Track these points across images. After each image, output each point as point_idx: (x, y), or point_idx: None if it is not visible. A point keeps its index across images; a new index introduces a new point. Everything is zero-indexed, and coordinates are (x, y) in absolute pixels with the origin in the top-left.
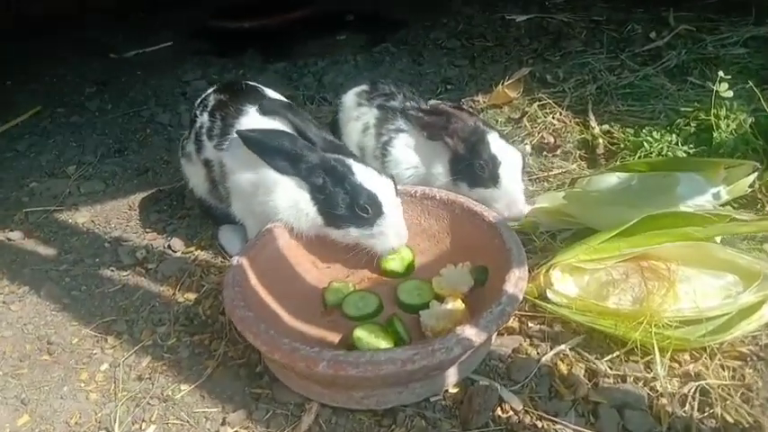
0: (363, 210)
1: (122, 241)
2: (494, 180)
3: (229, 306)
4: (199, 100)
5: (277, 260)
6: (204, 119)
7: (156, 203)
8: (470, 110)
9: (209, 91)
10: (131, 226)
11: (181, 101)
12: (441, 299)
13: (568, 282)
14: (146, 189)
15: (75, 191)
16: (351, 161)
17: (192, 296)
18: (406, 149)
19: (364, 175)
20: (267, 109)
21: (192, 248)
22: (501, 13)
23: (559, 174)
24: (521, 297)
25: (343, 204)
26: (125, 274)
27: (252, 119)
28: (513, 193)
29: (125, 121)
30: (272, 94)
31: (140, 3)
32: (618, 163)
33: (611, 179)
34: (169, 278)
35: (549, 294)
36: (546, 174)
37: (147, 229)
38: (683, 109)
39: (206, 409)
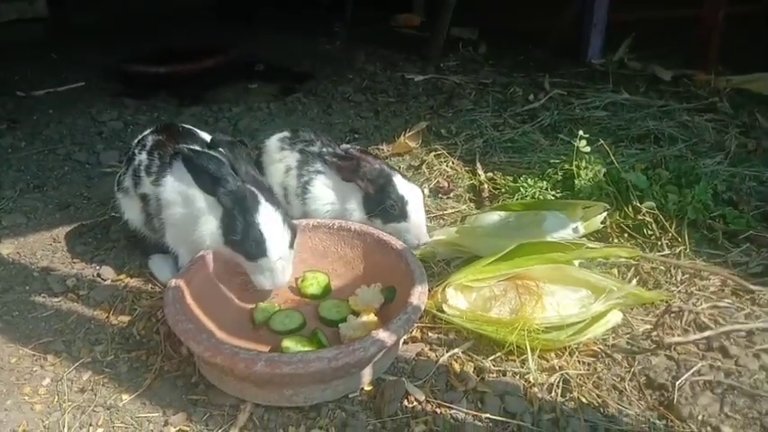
0: (249, 245)
1: (51, 271)
2: (403, 215)
3: (172, 320)
4: (136, 140)
5: (209, 283)
6: (143, 157)
7: (81, 236)
8: (375, 155)
9: (147, 132)
10: (58, 257)
11: (97, 140)
12: (357, 314)
13: (459, 298)
14: (68, 223)
15: None
16: (262, 199)
17: (125, 319)
18: (323, 188)
19: (265, 216)
20: (215, 142)
21: (122, 276)
22: (401, 72)
23: (453, 213)
24: (423, 308)
25: (238, 232)
26: (57, 300)
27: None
28: (419, 224)
29: (41, 159)
30: (204, 136)
31: (52, 43)
32: (499, 203)
33: (494, 217)
34: (102, 303)
35: (445, 308)
36: (441, 212)
37: (75, 260)
38: (552, 161)
39: (148, 414)
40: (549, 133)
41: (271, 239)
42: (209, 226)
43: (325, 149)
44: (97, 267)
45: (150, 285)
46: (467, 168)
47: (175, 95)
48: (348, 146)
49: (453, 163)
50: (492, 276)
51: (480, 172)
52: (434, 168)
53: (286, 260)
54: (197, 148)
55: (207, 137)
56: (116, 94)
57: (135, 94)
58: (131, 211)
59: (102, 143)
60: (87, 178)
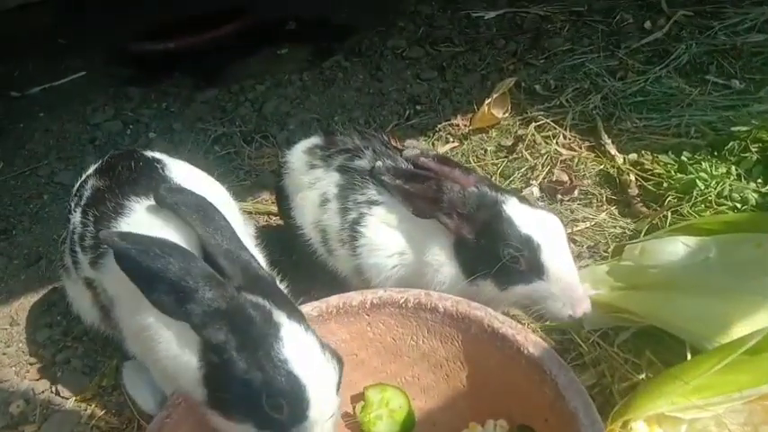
0: (276, 407)
1: None
2: (537, 270)
3: None
4: (76, 185)
5: None
6: (77, 218)
7: (48, 311)
8: (463, 164)
9: (90, 171)
10: (10, 353)
11: (88, 151)
12: None
13: None
14: (36, 288)
15: None
16: (283, 317)
17: None
18: (384, 230)
19: (297, 349)
20: (165, 201)
21: (89, 393)
22: (465, 11)
23: (587, 228)
24: None
25: (245, 389)
26: None
27: (137, 220)
28: (569, 281)
29: (18, 184)
30: (180, 169)
31: (60, 27)
32: (667, 213)
33: (676, 247)
34: None
35: None
36: (569, 230)
37: (32, 359)
38: (716, 122)
39: None
40: (690, 75)
41: (315, 388)
42: (180, 360)
43: (380, 163)
44: (58, 373)
45: (127, 412)
46: (588, 144)
47: (191, 75)
48: (416, 150)
49: (566, 137)
50: (718, 399)
51: (613, 151)
52: (539, 149)
53: (334, 414)
54: (142, 230)
55: (182, 169)
56: (120, 83)
57: (143, 80)
58: (80, 300)
59: (94, 154)
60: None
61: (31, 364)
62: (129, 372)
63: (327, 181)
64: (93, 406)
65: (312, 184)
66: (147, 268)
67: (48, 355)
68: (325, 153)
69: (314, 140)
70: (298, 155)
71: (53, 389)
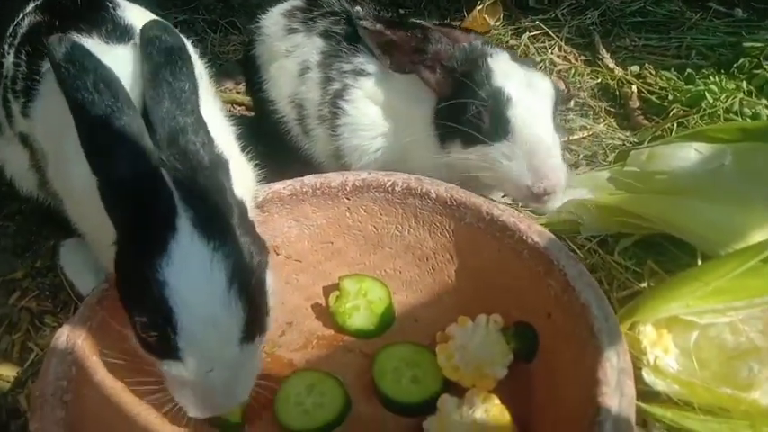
0: (146, 330)
1: None
2: (501, 128)
3: None
4: (11, 26)
5: None
6: (9, 60)
7: None
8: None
9: (28, 9)
10: None
11: None
12: (457, 388)
13: (667, 344)
14: None
15: None
16: (184, 218)
17: (10, 374)
18: (369, 106)
19: (180, 270)
20: (148, 34)
21: (19, 273)
22: None
23: (584, 138)
24: (633, 417)
25: (130, 288)
26: None
27: None
28: (538, 146)
29: None
30: (135, 13)
31: None
32: (673, 125)
33: (687, 153)
34: None
35: (646, 375)
36: (565, 138)
37: None
38: (718, 45)
39: None
40: (691, 2)
41: (189, 321)
42: (103, 232)
43: (359, 7)
44: None
45: (62, 295)
46: (584, 58)
47: None
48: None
49: (562, 48)
50: (739, 303)
51: (612, 64)
52: (533, 59)
53: (230, 367)
54: (92, 44)
55: (137, 14)
56: None
57: None
58: (14, 161)
59: None
60: None
61: None
62: (67, 250)
63: (309, 48)
64: (24, 287)
65: (290, 51)
66: (72, 98)
67: None
68: (308, 16)
69: (293, 2)
70: (274, 18)
71: None
